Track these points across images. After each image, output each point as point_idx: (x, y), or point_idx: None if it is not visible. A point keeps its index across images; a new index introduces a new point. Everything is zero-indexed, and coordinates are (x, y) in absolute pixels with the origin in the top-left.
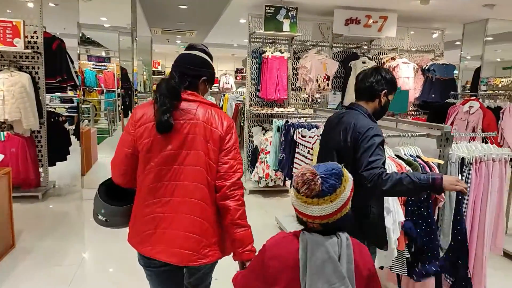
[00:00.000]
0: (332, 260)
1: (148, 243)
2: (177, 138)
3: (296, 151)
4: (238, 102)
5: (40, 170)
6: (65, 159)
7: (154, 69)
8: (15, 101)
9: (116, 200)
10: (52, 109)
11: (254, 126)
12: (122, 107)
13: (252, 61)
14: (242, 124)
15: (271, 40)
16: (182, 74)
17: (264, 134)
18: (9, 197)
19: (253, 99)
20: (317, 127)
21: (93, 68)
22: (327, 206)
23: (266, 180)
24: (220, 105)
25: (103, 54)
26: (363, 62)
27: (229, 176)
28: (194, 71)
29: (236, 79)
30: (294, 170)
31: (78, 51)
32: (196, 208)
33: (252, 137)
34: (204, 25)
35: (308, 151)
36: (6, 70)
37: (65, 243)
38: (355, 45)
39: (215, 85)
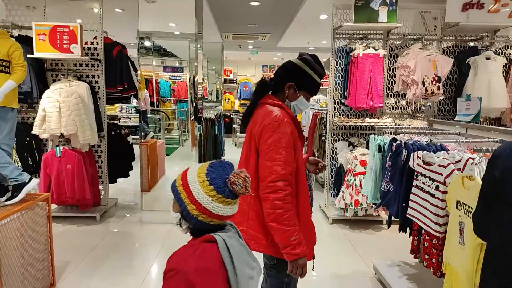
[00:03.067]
0: (244, 245)
1: None
2: (247, 133)
3: (414, 183)
4: (316, 111)
5: (100, 187)
6: (128, 175)
7: (226, 77)
8: (70, 113)
9: None
10: (127, 118)
11: (338, 140)
12: (193, 117)
13: (337, 62)
14: (323, 138)
15: (360, 36)
16: (272, 79)
17: (352, 150)
18: (49, 227)
19: (337, 108)
20: (444, 149)
21: (169, 78)
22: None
23: (355, 209)
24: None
25: (177, 64)
26: (487, 58)
27: (264, 178)
28: (279, 76)
29: None
30: (410, 210)
31: (138, 61)
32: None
33: (336, 154)
34: (278, 26)
35: (437, 186)
36: (65, 80)
37: (112, 280)
38: (472, 37)
39: None
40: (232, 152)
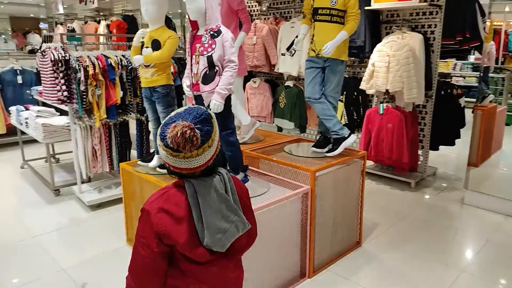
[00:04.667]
0: (223, 196)
1: None
2: None
3: None
4: None
5: (419, 152)
6: (453, 144)
7: None
8: (398, 69)
9: None
10: (460, 77)
11: None
12: None
13: None
14: None
15: None
16: None
17: None
18: (361, 186)
19: None
20: None
21: None
22: (207, 152)
23: None
24: None
25: None
26: None
27: None
28: None
29: None
30: None
31: (489, 8)
32: None
33: None
34: None
35: None
36: (398, 32)
37: (421, 264)
38: None
39: None
40: None
